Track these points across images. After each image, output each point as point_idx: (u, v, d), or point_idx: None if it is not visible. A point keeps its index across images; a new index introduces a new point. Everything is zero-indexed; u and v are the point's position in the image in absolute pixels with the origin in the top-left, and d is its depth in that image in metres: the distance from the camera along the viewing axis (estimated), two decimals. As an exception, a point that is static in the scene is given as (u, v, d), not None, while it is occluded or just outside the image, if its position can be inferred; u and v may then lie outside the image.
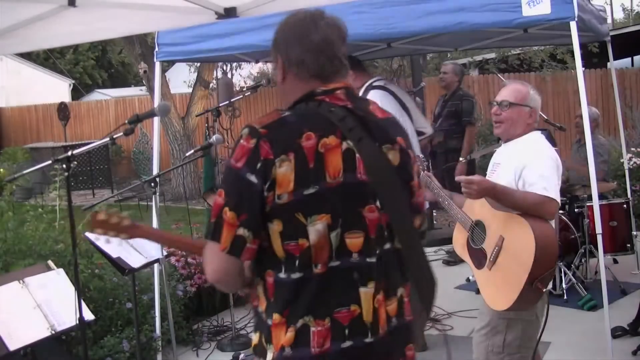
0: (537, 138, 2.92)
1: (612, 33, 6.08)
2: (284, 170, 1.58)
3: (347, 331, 1.63)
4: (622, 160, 6.43)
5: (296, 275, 1.62)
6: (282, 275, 1.64)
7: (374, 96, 3.94)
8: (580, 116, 5.85)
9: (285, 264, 1.63)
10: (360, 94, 3.99)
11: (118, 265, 3.57)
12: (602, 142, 5.96)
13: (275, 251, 1.63)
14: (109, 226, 2.25)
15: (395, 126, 1.77)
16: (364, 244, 1.65)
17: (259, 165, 1.59)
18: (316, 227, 1.60)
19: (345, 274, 1.64)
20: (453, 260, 6.28)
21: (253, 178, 1.59)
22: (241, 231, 1.60)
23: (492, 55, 12.31)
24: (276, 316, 1.64)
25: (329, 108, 1.67)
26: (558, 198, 2.76)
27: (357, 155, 1.64)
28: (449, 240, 6.75)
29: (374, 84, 4.14)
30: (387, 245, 1.71)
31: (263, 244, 1.64)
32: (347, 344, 1.63)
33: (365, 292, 1.65)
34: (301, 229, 1.61)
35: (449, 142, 6.07)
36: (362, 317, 1.65)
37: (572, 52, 10.56)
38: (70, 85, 26.07)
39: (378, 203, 1.67)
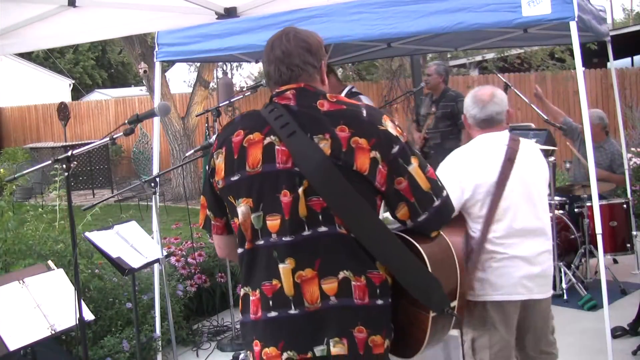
0: (471, 142, 2.94)
1: (612, 33, 6.07)
2: (219, 161, 1.95)
3: (271, 302, 1.88)
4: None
5: (240, 250, 1.97)
6: (237, 249, 1.99)
7: (366, 100, 4.33)
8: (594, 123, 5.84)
9: (237, 239, 1.97)
10: (344, 94, 4.30)
11: (118, 265, 3.57)
12: (618, 149, 5.93)
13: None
14: None
15: (340, 117, 1.88)
16: (280, 225, 1.86)
17: (210, 158, 1.99)
18: (241, 209, 1.91)
19: (267, 252, 1.89)
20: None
21: (208, 168, 2.01)
22: (207, 212, 2.05)
23: (492, 55, 12.30)
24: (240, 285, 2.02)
25: (271, 108, 1.93)
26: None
27: (279, 147, 1.87)
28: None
29: (353, 90, 4.38)
30: (323, 228, 1.85)
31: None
32: (273, 313, 1.88)
33: (284, 268, 1.86)
34: (234, 209, 1.93)
35: (445, 144, 6.05)
36: (283, 290, 1.87)
37: (571, 51, 10.62)
38: (70, 85, 26.09)
39: (301, 189, 1.85)
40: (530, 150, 2.91)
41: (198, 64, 12.93)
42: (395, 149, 1.87)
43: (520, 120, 10.64)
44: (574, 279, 5.25)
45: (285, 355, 1.86)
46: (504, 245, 2.74)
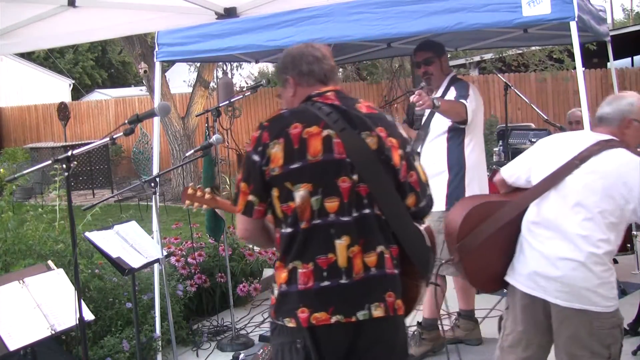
0: (567, 133, 3.08)
1: (612, 33, 6.07)
2: (275, 150, 2.15)
3: (325, 273, 2.15)
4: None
5: (289, 230, 2.18)
6: (282, 230, 2.20)
7: (471, 84, 4.25)
8: (577, 122, 5.85)
9: (284, 222, 2.19)
10: (446, 82, 4.26)
11: (118, 265, 3.57)
12: None
13: (277, 212, 2.20)
14: (195, 198, 3.11)
15: (377, 119, 2.26)
16: (339, 207, 2.16)
17: (260, 148, 2.17)
18: (300, 193, 2.15)
19: (324, 230, 2.16)
20: (453, 260, 6.26)
21: (256, 157, 2.18)
22: (251, 197, 2.21)
23: (490, 55, 12.29)
24: (277, 262, 2.22)
25: (319, 106, 2.22)
26: None
27: (336, 140, 2.17)
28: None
29: (457, 76, 4.36)
30: (367, 210, 2.19)
31: (272, 207, 2.20)
32: (326, 283, 2.15)
33: (340, 243, 2.16)
34: (290, 194, 2.16)
35: None
36: (337, 263, 2.15)
37: (569, 52, 10.62)
38: (70, 85, 26.07)
39: (355, 176, 2.17)
40: (616, 166, 2.66)
41: (198, 64, 12.93)
42: (408, 148, 2.29)
43: (520, 120, 10.66)
44: (574, 279, 5.24)
45: (334, 319, 2.15)
46: (532, 234, 2.75)
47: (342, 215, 2.16)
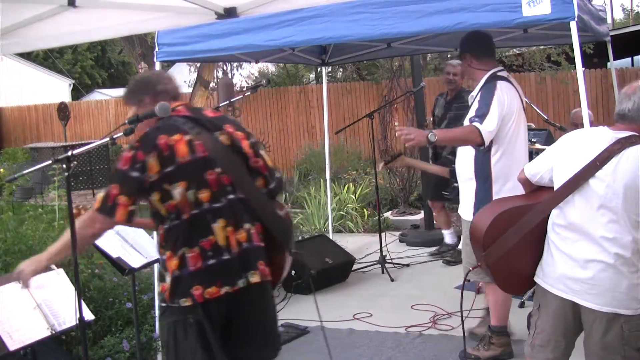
0: (585, 129, 3.21)
1: (612, 33, 6.07)
2: (152, 161, 2.52)
3: (210, 253, 2.55)
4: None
5: (174, 223, 2.57)
6: (166, 225, 2.59)
7: (502, 86, 3.86)
8: (582, 124, 5.81)
9: (167, 218, 2.58)
10: (485, 79, 3.92)
11: (118, 265, 3.57)
12: None
13: (161, 212, 2.58)
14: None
15: (223, 120, 2.74)
16: (210, 196, 2.57)
17: (138, 165, 2.52)
18: (178, 191, 2.54)
19: (202, 217, 2.56)
20: (453, 260, 6.27)
21: (135, 174, 2.52)
22: (132, 207, 2.56)
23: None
24: (168, 252, 2.58)
25: (175, 119, 2.64)
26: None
27: (196, 142, 2.57)
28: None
29: (498, 73, 3.98)
30: (231, 196, 2.61)
31: (153, 209, 2.61)
32: (212, 261, 2.55)
33: (216, 226, 2.57)
34: (169, 194, 2.54)
35: None
36: (218, 243, 2.56)
37: (566, 54, 10.61)
38: (70, 85, 26.07)
39: (218, 169, 2.59)
40: (636, 163, 2.56)
41: (198, 64, 12.92)
42: (252, 139, 2.75)
43: (520, 120, 10.64)
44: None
45: (223, 290, 2.55)
46: (559, 237, 2.73)
47: (215, 202, 2.57)
